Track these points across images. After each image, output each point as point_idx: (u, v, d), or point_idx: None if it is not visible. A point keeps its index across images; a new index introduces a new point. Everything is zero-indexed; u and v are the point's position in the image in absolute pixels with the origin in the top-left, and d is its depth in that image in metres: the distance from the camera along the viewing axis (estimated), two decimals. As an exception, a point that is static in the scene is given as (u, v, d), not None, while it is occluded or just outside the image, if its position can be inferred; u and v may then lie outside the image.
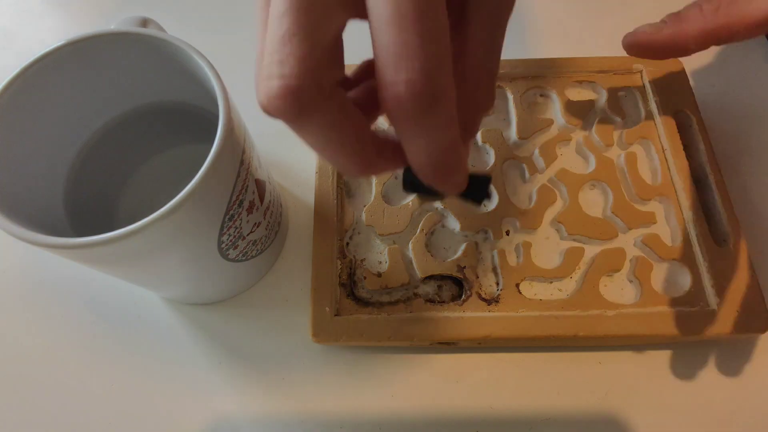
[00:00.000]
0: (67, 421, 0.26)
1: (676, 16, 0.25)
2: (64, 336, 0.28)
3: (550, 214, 0.28)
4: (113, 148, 0.26)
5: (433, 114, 0.14)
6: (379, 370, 0.26)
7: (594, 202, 0.28)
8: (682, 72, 0.31)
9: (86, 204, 0.24)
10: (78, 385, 0.27)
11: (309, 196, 0.28)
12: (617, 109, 0.30)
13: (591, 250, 0.27)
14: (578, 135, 0.30)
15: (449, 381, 0.26)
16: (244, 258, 0.25)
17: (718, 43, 0.25)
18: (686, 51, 0.25)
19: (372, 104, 0.17)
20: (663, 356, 0.26)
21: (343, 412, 0.26)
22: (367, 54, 0.15)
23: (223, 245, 0.22)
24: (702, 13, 0.24)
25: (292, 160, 0.31)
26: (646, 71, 0.31)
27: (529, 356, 0.27)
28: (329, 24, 0.14)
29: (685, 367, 0.26)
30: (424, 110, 0.14)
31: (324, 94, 0.14)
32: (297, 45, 0.14)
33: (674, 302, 0.25)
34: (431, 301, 0.26)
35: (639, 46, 0.26)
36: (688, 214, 0.27)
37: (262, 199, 0.24)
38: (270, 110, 0.14)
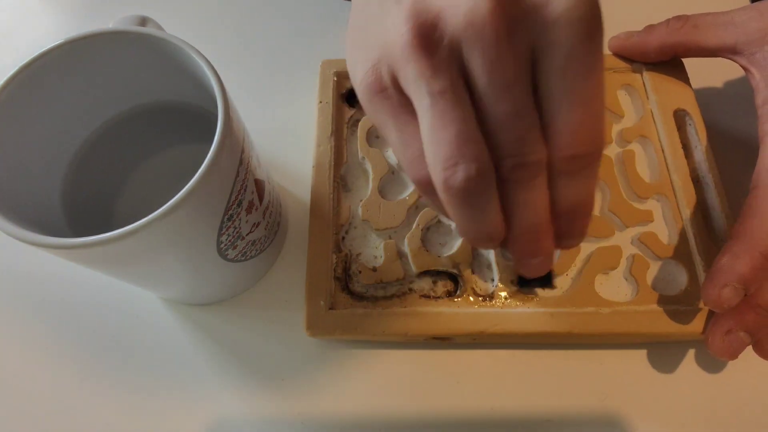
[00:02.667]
0: (65, 421, 0.26)
1: (648, 27, 0.30)
2: (61, 336, 0.28)
3: (547, 211, 0.28)
4: (111, 147, 0.26)
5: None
6: (378, 369, 0.27)
7: (591, 200, 0.29)
8: (682, 70, 0.31)
9: (84, 204, 0.24)
10: (76, 386, 0.27)
11: (308, 196, 0.28)
12: (616, 106, 0.30)
13: (587, 248, 0.27)
14: (576, 133, 0.30)
15: (447, 379, 0.26)
16: (243, 258, 0.25)
17: (675, 56, 0.30)
18: (648, 58, 0.30)
19: None
20: (663, 356, 0.26)
21: (342, 411, 0.26)
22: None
23: (222, 245, 0.22)
24: (668, 28, 0.29)
25: (291, 160, 0.31)
26: (646, 70, 0.31)
27: (528, 354, 0.27)
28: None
29: (684, 366, 0.26)
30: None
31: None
32: (475, 142, 0.18)
33: (670, 300, 0.25)
34: (426, 296, 0.26)
35: (613, 49, 0.32)
36: (685, 212, 0.27)
37: (261, 199, 0.24)
38: (458, 191, 0.18)
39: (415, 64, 0.18)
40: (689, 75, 0.31)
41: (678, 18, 0.29)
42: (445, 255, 0.27)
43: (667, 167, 0.28)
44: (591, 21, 0.17)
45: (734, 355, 0.23)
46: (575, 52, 0.17)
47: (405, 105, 0.19)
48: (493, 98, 0.17)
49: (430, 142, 0.18)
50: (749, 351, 0.24)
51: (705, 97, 0.31)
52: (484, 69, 0.17)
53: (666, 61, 0.30)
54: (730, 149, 0.30)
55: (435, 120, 0.18)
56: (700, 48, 0.29)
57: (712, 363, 0.26)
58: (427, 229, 0.28)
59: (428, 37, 0.17)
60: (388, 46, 0.18)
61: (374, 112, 0.20)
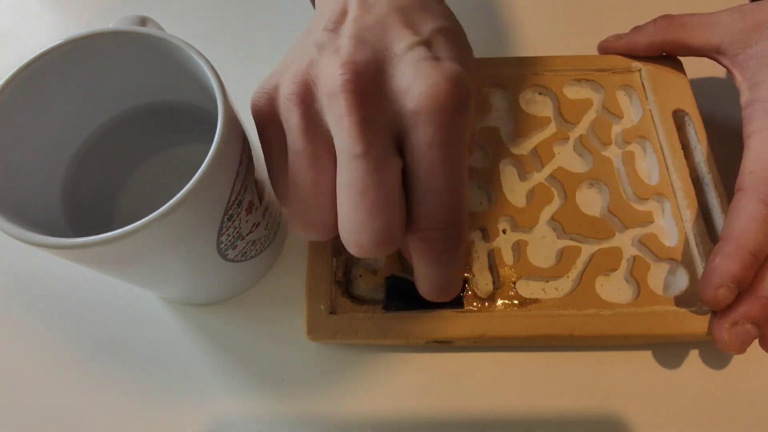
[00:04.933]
0: (65, 421, 0.26)
1: (636, 28, 0.31)
2: (61, 336, 0.28)
3: (546, 212, 0.28)
4: (112, 147, 0.26)
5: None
6: (379, 371, 0.27)
7: (591, 201, 0.29)
8: (681, 71, 0.31)
9: (84, 204, 0.24)
10: (75, 386, 0.27)
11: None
12: (615, 107, 0.30)
13: (588, 250, 0.27)
14: (576, 133, 0.30)
15: (448, 381, 0.26)
16: (243, 258, 0.25)
17: (663, 53, 0.30)
18: (638, 56, 0.31)
19: None
20: (664, 356, 0.26)
21: (342, 413, 0.26)
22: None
23: (221, 245, 0.22)
24: (655, 27, 0.30)
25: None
26: (645, 70, 0.31)
27: (528, 356, 0.27)
28: (397, 197, 0.19)
29: (685, 367, 0.26)
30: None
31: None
32: (384, 215, 0.18)
33: (671, 302, 0.25)
34: (427, 299, 0.26)
35: (602, 52, 0.32)
36: (685, 213, 0.27)
37: (261, 199, 0.24)
38: (365, 254, 0.19)
39: (288, 116, 0.19)
40: (688, 75, 0.31)
41: (665, 17, 0.30)
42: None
43: (667, 168, 0.28)
44: (448, 109, 0.18)
45: (742, 349, 0.23)
46: (431, 141, 0.18)
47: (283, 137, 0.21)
48: (344, 165, 0.18)
49: (290, 189, 0.20)
50: (751, 352, 0.24)
51: (704, 98, 0.31)
52: (339, 136, 0.18)
53: (664, 59, 0.31)
54: (730, 149, 0.30)
55: (291, 174, 0.20)
56: (687, 47, 0.29)
57: (713, 364, 0.26)
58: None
59: (303, 98, 0.19)
60: (280, 89, 0.20)
61: (259, 129, 0.22)
